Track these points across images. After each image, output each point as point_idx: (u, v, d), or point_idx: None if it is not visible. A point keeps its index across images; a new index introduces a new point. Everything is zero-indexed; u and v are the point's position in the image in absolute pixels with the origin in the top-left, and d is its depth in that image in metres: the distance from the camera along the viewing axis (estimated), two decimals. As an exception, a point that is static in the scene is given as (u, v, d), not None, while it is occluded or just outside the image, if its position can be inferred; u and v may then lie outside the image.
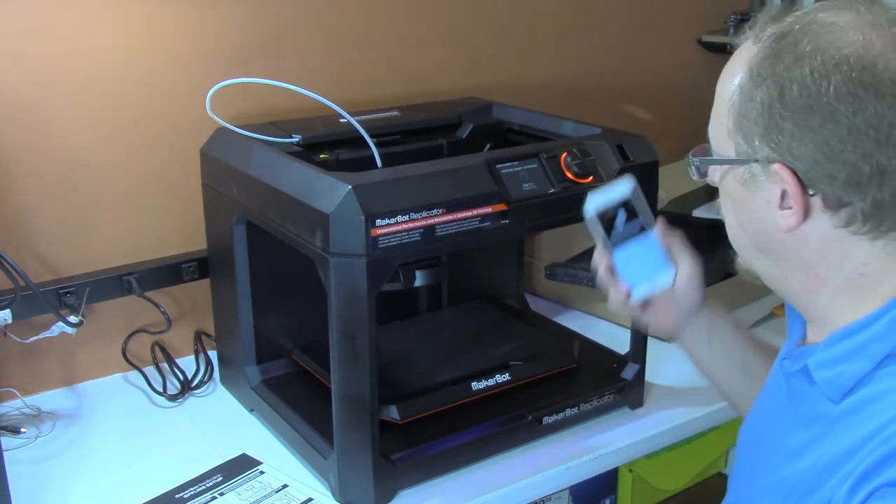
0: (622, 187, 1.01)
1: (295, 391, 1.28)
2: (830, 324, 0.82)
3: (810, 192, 0.76)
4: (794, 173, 0.76)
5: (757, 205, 0.81)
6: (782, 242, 0.81)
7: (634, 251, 1.01)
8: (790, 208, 0.78)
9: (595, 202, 1.00)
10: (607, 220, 1.00)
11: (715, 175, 0.86)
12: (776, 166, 0.77)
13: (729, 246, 0.91)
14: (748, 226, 0.83)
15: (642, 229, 1.02)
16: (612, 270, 1.04)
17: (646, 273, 1.02)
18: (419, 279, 1.14)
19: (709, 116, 0.87)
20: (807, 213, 0.77)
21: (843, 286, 0.80)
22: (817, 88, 0.73)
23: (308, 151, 1.26)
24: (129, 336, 1.43)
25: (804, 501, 0.79)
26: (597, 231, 1.00)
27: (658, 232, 1.03)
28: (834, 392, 0.79)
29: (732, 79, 0.80)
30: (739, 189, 0.82)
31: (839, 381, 0.79)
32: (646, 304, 1.07)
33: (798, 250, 0.80)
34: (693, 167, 0.88)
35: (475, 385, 1.22)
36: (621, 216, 1.00)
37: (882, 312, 0.79)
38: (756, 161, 0.78)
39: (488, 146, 1.42)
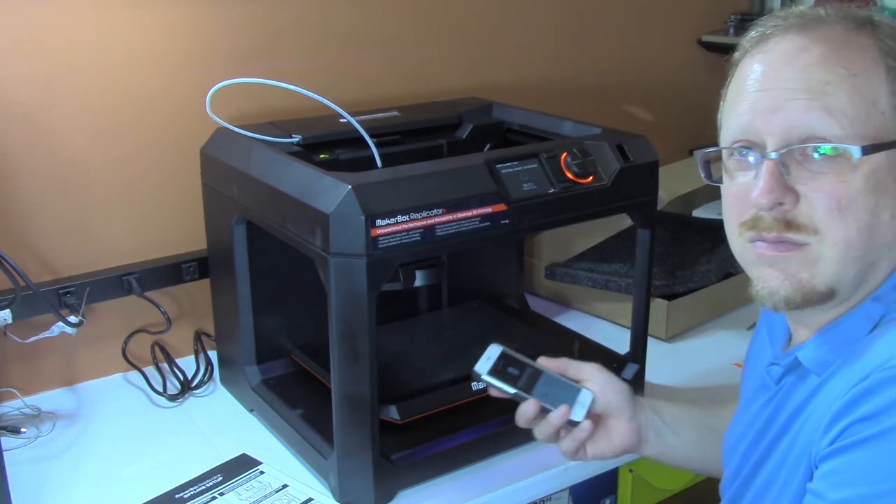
0: (491, 348, 1.03)
1: (295, 391, 1.28)
2: (822, 320, 0.84)
3: None
4: None
5: None
6: None
7: (547, 389, 1.01)
8: None
9: (481, 366, 1.00)
10: (506, 375, 1.00)
11: (856, 173, 0.77)
12: None
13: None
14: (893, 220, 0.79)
15: (537, 372, 1.02)
16: (541, 411, 1.00)
17: (569, 399, 1.00)
18: (419, 279, 1.14)
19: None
20: None
21: None
22: None
23: (308, 151, 1.26)
24: (129, 336, 1.43)
25: (798, 464, 0.80)
26: (503, 386, 1.00)
27: (549, 367, 1.03)
28: (821, 368, 0.81)
29: (867, 56, 0.78)
30: None
31: (826, 358, 0.81)
32: (595, 437, 1.02)
33: None
34: (857, 157, 0.77)
35: (475, 385, 1.22)
36: (513, 371, 1.01)
37: (869, 300, 0.81)
38: None
39: (488, 146, 1.42)
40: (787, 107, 0.78)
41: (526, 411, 0.99)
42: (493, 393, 1.02)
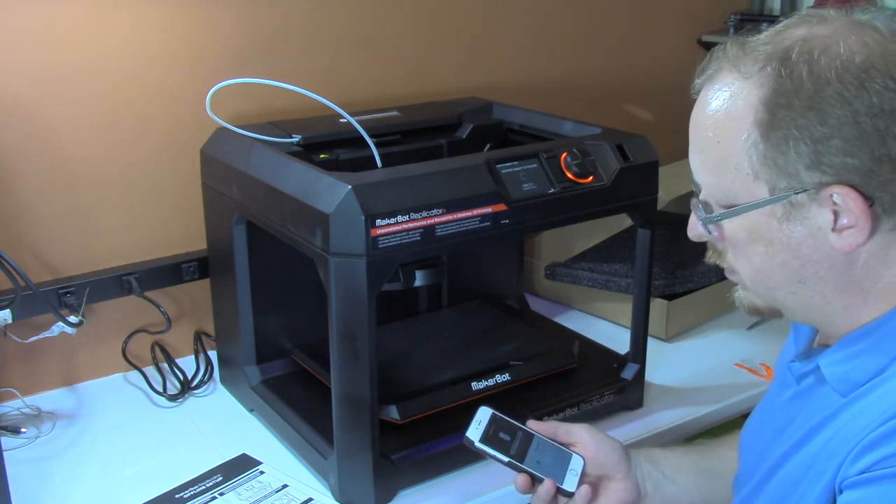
0: (481, 411, 1.01)
1: (295, 391, 1.28)
2: (847, 328, 0.82)
3: (870, 202, 0.75)
4: (854, 189, 0.74)
5: (805, 236, 0.78)
6: (832, 266, 0.79)
7: (539, 456, 0.99)
8: (852, 227, 0.76)
9: (473, 433, 0.99)
10: (498, 442, 0.99)
11: (730, 225, 0.82)
12: (834, 188, 0.75)
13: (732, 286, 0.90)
14: (793, 262, 0.80)
15: (528, 437, 1.01)
16: (531, 480, 0.98)
17: (561, 467, 0.99)
18: (419, 279, 1.13)
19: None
20: (874, 225, 0.76)
21: (881, 293, 0.80)
22: (860, 101, 0.73)
23: (308, 151, 1.26)
24: (129, 336, 1.43)
25: (815, 482, 0.79)
26: (494, 454, 0.98)
27: (538, 431, 1.02)
28: (844, 387, 0.80)
29: (736, 122, 0.78)
30: (778, 227, 0.79)
31: (850, 377, 0.80)
32: (592, 500, 1.00)
33: (848, 269, 0.79)
34: (711, 225, 0.84)
35: (475, 385, 1.22)
36: (505, 437, 1.00)
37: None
38: (804, 191, 0.76)
39: (488, 146, 1.42)
40: (691, 159, 0.85)
41: (521, 485, 0.98)
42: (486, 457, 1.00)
